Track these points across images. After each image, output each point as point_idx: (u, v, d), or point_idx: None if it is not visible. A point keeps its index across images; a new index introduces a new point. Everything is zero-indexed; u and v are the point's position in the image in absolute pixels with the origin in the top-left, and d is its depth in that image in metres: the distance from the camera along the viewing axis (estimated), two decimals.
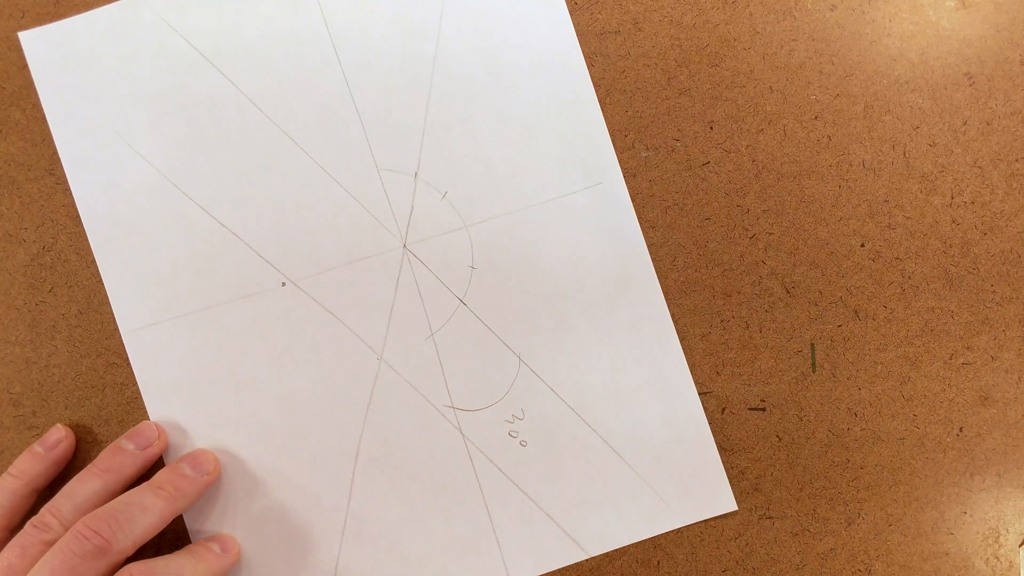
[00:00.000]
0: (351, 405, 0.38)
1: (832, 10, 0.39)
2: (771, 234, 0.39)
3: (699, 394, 0.39)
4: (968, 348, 0.39)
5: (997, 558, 0.39)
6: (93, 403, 0.38)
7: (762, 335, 0.39)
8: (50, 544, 0.34)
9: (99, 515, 0.34)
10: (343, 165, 0.38)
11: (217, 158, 0.38)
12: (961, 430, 0.39)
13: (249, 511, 0.38)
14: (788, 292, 0.39)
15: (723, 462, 0.39)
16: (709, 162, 0.39)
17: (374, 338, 0.38)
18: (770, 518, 0.39)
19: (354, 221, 0.38)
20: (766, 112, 0.39)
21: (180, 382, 0.38)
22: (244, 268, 0.38)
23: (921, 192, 0.39)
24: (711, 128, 0.39)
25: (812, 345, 0.39)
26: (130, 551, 0.34)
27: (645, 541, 0.38)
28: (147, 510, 0.34)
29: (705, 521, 0.38)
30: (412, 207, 0.38)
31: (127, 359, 0.38)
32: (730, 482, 0.39)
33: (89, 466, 0.36)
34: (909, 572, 0.39)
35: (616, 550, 0.38)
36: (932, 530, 0.39)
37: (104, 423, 0.38)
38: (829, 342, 0.39)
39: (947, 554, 0.39)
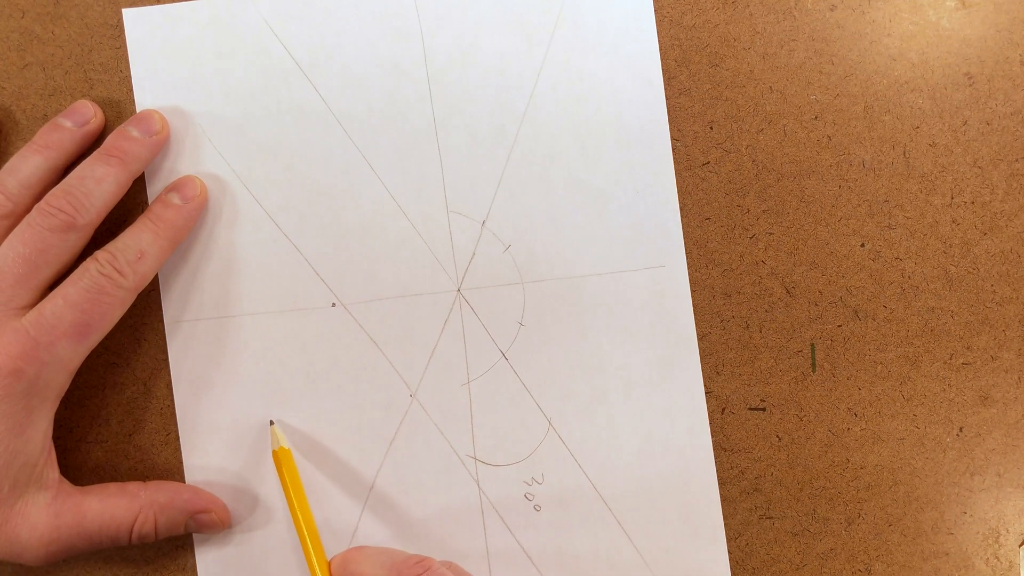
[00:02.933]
0: (375, 437, 0.38)
1: (832, 10, 0.39)
2: (771, 234, 0.39)
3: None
4: (968, 348, 0.39)
5: (997, 558, 0.39)
6: (93, 403, 0.38)
7: (762, 335, 0.39)
8: (1, 218, 0.35)
9: (56, 193, 0.34)
10: (414, 200, 0.38)
11: (293, 169, 0.38)
12: (961, 430, 0.39)
13: (254, 521, 0.38)
14: (788, 292, 0.39)
15: (723, 462, 0.39)
16: (709, 162, 0.39)
17: (411, 375, 0.38)
18: (770, 518, 0.39)
19: (414, 256, 0.38)
20: (766, 112, 0.39)
21: (213, 382, 0.38)
22: (298, 282, 0.38)
23: (921, 192, 0.39)
24: (711, 128, 0.39)
25: (812, 345, 0.39)
26: (96, 223, 0.35)
27: None
28: (102, 180, 0.35)
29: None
30: (474, 254, 0.38)
31: (127, 359, 0.38)
32: (730, 482, 0.39)
33: (27, 144, 0.36)
34: (909, 572, 0.39)
35: None
36: (932, 530, 0.39)
37: (104, 423, 0.38)
38: (829, 342, 0.39)
39: (947, 554, 0.39)
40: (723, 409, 0.39)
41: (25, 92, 0.38)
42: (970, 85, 0.39)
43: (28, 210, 0.35)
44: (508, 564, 0.38)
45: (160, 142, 0.37)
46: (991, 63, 0.39)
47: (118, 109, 0.38)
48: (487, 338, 0.38)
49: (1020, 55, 0.39)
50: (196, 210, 0.37)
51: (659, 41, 0.39)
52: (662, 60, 0.39)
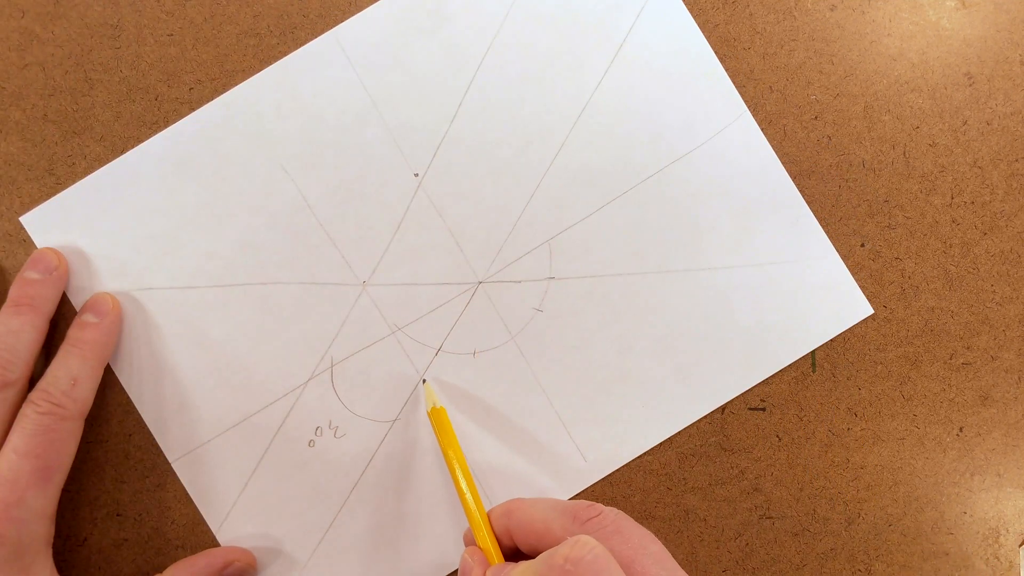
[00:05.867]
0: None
1: (832, 10, 0.39)
2: None
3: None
4: (968, 348, 0.39)
5: (997, 558, 0.39)
6: (93, 404, 0.38)
7: None
8: None
9: None
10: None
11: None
12: (961, 430, 0.39)
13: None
14: None
15: (723, 462, 0.39)
16: None
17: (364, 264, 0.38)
18: (770, 518, 0.39)
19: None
20: (766, 112, 0.39)
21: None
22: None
23: (921, 192, 0.39)
24: None
25: None
26: (28, 373, 0.35)
27: None
28: (19, 332, 0.35)
29: (704, 520, 0.38)
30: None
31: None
32: (730, 482, 0.39)
33: None
34: (909, 572, 0.39)
35: None
36: (932, 530, 0.39)
37: (104, 422, 0.38)
38: (829, 342, 0.39)
39: (947, 554, 0.39)
40: (723, 409, 0.39)
41: (25, 92, 0.38)
42: (970, 85, 0.39)
43: None
44: None
45: (61, 276, 0.37)
46: (991, 63, 0.39)
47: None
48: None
49: (1020, 55, 0.39)
50: (114, 323, 0.37)
51: None
52: None
